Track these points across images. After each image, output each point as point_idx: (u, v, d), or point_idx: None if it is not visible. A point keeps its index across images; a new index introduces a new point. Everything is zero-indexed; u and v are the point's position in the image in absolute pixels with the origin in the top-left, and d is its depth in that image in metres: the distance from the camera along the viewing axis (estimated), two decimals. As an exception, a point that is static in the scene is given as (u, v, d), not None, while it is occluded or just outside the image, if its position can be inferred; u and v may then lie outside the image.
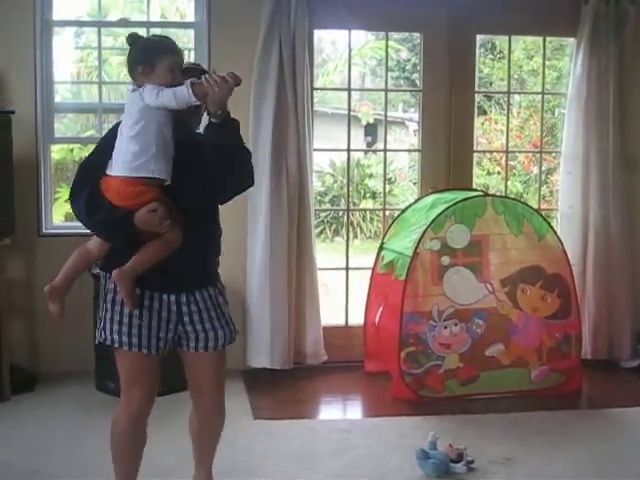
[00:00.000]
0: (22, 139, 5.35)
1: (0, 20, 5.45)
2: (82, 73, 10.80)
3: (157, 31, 5.67)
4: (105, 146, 3.30)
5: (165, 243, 3.24)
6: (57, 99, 5.97)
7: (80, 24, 7.21)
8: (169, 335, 3.36)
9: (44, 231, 5.71)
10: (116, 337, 3.30)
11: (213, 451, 3.66)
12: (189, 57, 5.67)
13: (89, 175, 3.28)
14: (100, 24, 6.17)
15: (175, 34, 7.70)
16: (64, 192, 10.37)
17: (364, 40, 13.00)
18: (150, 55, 3.18)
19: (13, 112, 5.18)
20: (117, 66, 11.18)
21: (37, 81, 5.57)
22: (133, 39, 3.26)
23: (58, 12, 5.75)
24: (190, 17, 6.04)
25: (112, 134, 3.30)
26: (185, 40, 6.35)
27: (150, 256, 3.24)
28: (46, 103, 5.64)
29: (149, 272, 3.26)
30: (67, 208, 10.11)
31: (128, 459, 3.49)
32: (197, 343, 3.40)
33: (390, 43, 7.75)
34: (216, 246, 3.50)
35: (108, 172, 3.20)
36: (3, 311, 5.18)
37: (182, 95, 3.11)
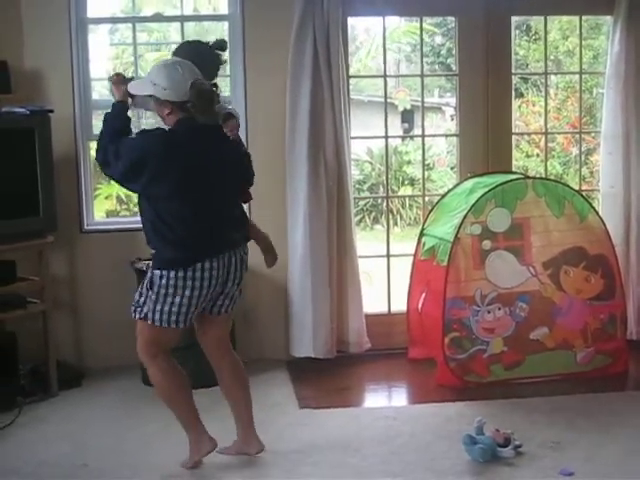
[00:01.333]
0: (61, 137, 5.39)
1: (36, 20, 5.49)
2: (118, 70, 10.86)
3: (191, 25, 5.68)
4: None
5: None
6: (94, 96, 6.01)
7: (115, 20, 7.25)
8: (206, 304, 4.00)
9: (86, 227, 5.76)
10: (157, 317, 3.89)
11: (249, 398, 4.25)
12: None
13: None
14: (134, 20, 6.20)
15: (208, 27, 7.70)
16: (104, 189, 10.46)
17: (396, 25, 12.93)
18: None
19: (52, 111, 5.22)
20: (152, 62, 11.23)
21: (74, 79, 5.61)
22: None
23: (92, 10, 5.79)
24: (224, 9, 6.05)
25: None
26: (218, 34, 6.35)
27: None
28: (84, 101, 5.68)
29: (208, 240, 3.86)
30: (108, 204, 10.24)
31: (181, 395, 4.07)
32: (220, 308, 4.07)
33: (424, 26, 7.68)
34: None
35: None
36: (48, 308, 5.23)
37: None
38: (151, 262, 4.00)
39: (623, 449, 4.28)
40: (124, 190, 7.75)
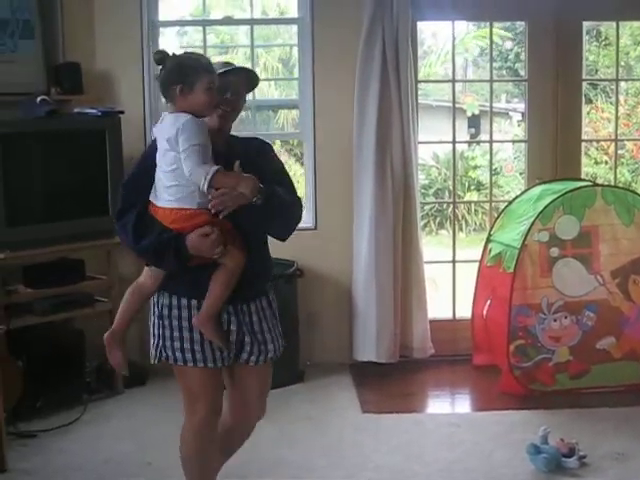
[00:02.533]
0: (131, 139, 5.45)
1: (108, 22, 5.58)
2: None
3: (261, 28, 5.71)
4: (146, 163, 3.16)
5: (228, 273, 3.09)
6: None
7: (185, 23, 7.32)
8: (232, 346, 3.23)
9: (153, 228, 5.81)
10: (179, 355, 3.18)
11: (229, 455, 3.56)
12: (292, 52, 5.71)
13: (134, 195, 3.14)
14: (205, 23, 6.26)
15: (277, 30, 7.74)
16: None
17: (465, 30, 12.88)
18: (188, 74, 3.02)
19: (122, 112, 5.29)
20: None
21: (145, 81, 5.68)
22: (162, 57, 3.08)
23: (163, 12, 5.86)
24: (293, 13, 6.08)
25: (152, 149, 3.15)
26: (287, 37, 6.39)
27: (220, 293, 3.11)
28: (154, 102, 5.75)
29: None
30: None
31: (199, 476, 3.42)
32: (249, 356, 3.26)
33: (494, 30, 7.63)
34: (269, 258, 3.37)
35: (152, 200, 3.09)
36: (115, 307, 5.28)
37: (197, 178, 2.96)
38: None
39: (690, 462, 4.22)
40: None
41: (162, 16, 5.83)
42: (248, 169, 3.05)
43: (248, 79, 3.27)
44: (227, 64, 3.24)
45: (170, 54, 3.09)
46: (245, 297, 3.22)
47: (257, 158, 3.21)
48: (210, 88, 3.03)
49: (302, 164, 6.25)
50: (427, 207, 12.30)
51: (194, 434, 3.26)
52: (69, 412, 4.90)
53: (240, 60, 11.03)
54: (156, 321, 3.26)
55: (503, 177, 12.82)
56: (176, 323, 3.19)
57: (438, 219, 12.58)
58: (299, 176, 7.15)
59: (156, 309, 3.26)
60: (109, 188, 5.18)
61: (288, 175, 3.36)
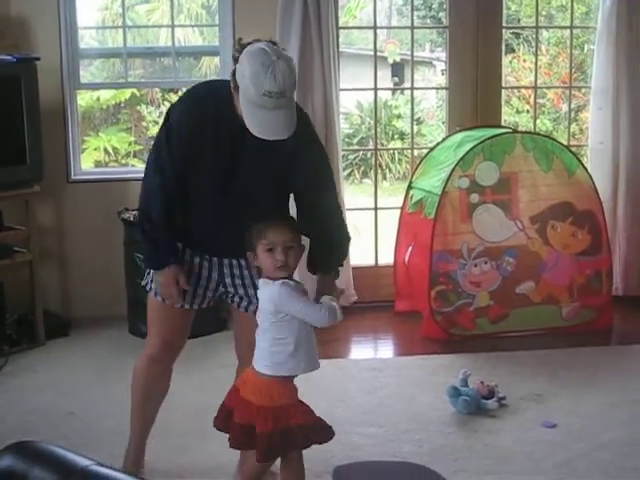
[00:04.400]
0: (48, 86, 5.35)
1: (22, -34, 5.43)
2: (107, 20, 10.78)
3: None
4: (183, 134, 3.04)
5: None
6: (82, 45, 5.95)
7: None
8: (208, 293, 3.29)
9: (73, 177, 5.73)
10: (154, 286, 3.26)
11: None
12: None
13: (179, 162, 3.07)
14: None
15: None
16: (92, 141, 10.40)
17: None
18: (252, 242, 2.97)
19: (38, 59, 5.16)
20: (145, 13, 11.13)
21: (61, 27, 5.55)
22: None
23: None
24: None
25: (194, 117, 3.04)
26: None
27: None
28: (71, 49, 5.63)
29: (200, 239, 3.19)
30: (96, 156, 10.21)
31: (145, 407, 3.51)
32: (241, 302, 3.31)
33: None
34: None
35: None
36: (35, 258, 5.22)
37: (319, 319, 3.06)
38: None
39: (604, 401, 4.33)
40: (112, 142, 7.73)
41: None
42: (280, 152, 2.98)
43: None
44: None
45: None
46: (231, 253, 3.21)
47: (294, 138, 2.92)
48: (271, 249, 2.95)
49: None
50: (351, 157, 12.32)
51: (148, 363, 3.41)
52: (-10, 364, 4.84)
53: (165, 6, 10.81)
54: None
55: (426, 126, 12.88)
56: None
57: (362, 168, 12.60)
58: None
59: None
60: (26, 136, 5.07)
61: (330, 168, 3.29)
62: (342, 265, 3.34)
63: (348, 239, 3.38)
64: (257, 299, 3.10)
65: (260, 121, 2.83)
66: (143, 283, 3.36)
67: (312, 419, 3.08)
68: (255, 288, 3.19)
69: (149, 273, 3.29)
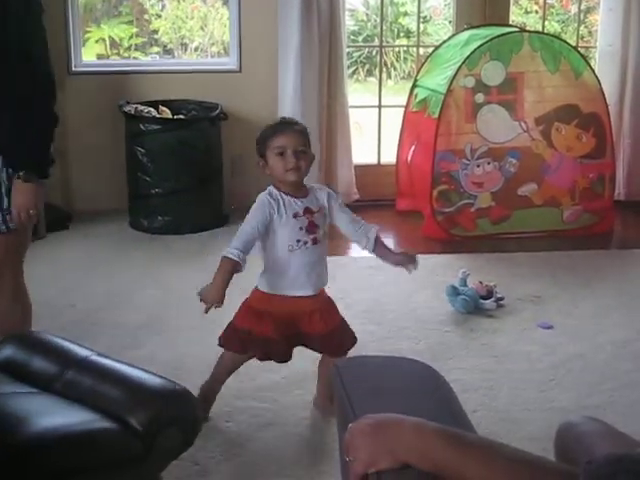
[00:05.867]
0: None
1: None
2: None
3: None
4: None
5: None
6: None
7: None
8: None
9: (74, 69, 5.65)
10: None
11: None
12: None
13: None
14: None
15: None
16: (95, 32, 10.23)
17: None
18: (261, 147, 3.05)
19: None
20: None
21: None
22: None
23: None
24: None
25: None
26: None
27: None
28: None
29: None
30: (98, 48, 10.06)
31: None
32: None
33: None
34: None
35: None
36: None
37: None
38: None
39: (601, 304, 4.36)
40: (116, 32, 7.59)
41: None
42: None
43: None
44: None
45: None
46: None
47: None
48: (282, 152, 3.00)
49: (226, 3, 6.08)
50: (356, 54, 12.14)
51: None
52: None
53: None
54: None
55: (433, 25, 12.65)
56: None
57: (367, 66, 12.42)
58: (225, 20, 6.96)
59: None
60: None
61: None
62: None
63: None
64: None
65: None
66: None
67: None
68: None
69: None
